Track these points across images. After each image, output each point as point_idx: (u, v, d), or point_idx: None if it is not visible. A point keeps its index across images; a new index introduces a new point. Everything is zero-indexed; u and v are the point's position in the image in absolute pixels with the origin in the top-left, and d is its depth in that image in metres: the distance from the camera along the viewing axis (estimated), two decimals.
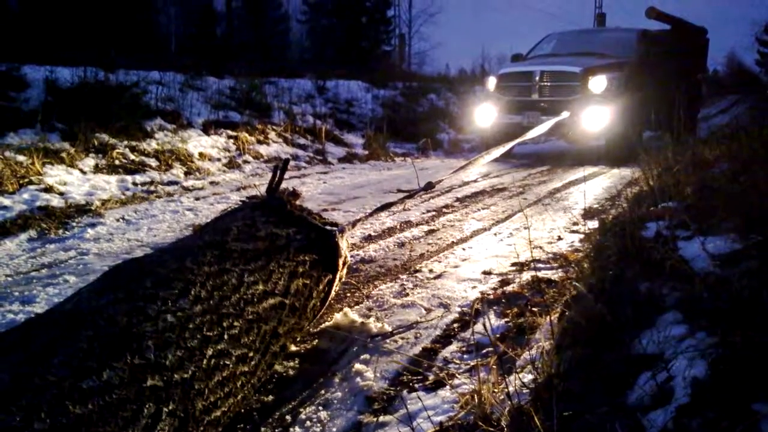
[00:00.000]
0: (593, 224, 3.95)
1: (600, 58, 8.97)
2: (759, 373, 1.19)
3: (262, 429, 1.82)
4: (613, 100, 8.23)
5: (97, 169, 5.57)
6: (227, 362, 1.62)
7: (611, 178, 7.06)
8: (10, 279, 3.09)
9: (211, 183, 6.05)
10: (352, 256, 3.47)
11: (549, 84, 8.67)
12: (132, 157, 6.06)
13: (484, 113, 9.18)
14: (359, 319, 2.57)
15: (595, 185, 6.47)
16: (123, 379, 1.31)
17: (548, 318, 2.21)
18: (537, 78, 8.73)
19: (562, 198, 5.65)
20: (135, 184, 5.50)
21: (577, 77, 8.45)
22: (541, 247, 3.77)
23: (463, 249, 3.80)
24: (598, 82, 8.33)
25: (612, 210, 4.69)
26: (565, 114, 7.84)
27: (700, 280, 1.66)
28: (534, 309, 2.61)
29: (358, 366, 2.16)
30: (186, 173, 6.24)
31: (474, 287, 3.06)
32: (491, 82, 9.36)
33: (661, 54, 10.00)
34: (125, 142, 6.25)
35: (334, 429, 1.81)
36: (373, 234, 4.15)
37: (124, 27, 8.32)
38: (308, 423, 1.84)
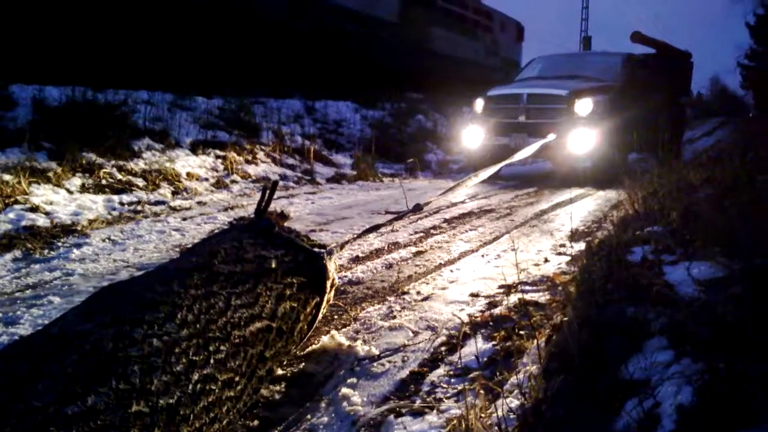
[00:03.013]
0: (580, 247, 3.98)
1: (586, 82, 9.09)
2: (744, 401, 1.20)
3: None
4: (598, 123, 8.32)
5: (83, 189, 5.54)
6: (213, 387, 1.60)
7: (597, 200, 7.11)
8: None
9: (199, 203, 6.03)
10: (339, 278, 3.46)
11: (536, 106, 8.75)
12: (119, 176, 6.04)
13: (472, 135, 9.25)
14: (346, 342, 2.56)
15: (582, 207, 6.52)
16: (108, 404, 1.29)
17: (535, 342, 2.22)
18: (524, 100, 8.82)
19: (548, 220, 5.69)
20: (122, 203, 5.47)
21: (563, 100, 8.55)
22: (527, 270, 3.78)
23: (451, 271, 3.81)
24: (584, 105, 8.43)
25: (598, 233, 4.72)
26: (551, 136, 7.91)
27: (685, 306, 1.68)
28: (521, 332, 2.61)
29: (344, 390, 2.15)
30: (173, 193, 6.22)
31: (462, 310, 3.06)
32: (479, 104, 9.44)
33: (646, 77, 10.15)
34: (113, 162, 6.23)
35: None
36: (360, 255, 4.15)
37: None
38: None
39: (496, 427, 1.57)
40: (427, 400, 2.06)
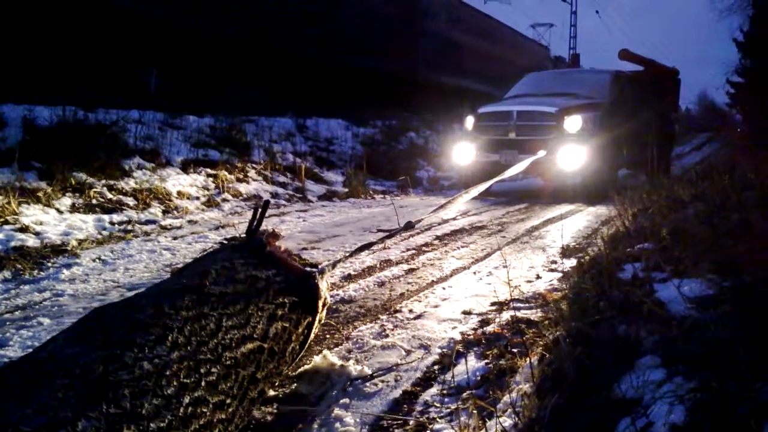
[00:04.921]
0: (571, 263, 3.99)
1: (575, 99, 9.17)
2: (736, 419, 1.20)
3: None
4: (588, 140, 8.39)
5: (73, 209, 5.51)
6: (204, 410, 1.59)
7: (588, 216, 7.14)
8: None
9: (190, 222, 6.01)
10: (331, 296, 3.45)
11: (526, 123, 8.81)
12: (109, 196, 6.01)
13: (463, 152, 9.30)
14: (339, 362, 2.55)
15: (572, 223, 6.54)
16: (98, 429, 1.28)
17: (528, 360, 2.22)
18: (514, 117, 8.88)
19: (540, 236, 5.70)
20: (112, 223, 5.44)
21: (553, 117, 8.61)
22: (519, 287, 3.78)
23: (443, 288, 3.81)
24: (573, 122, 8.49)
25: (589, 248, 4.73)
26: (541, 153, 7.96)
27: (676, 324, 1.68)
28: (514, 350, 2.61)
29: (337, 411, 2.14)
30: (164, 212, 6.19)
31: (454, 328, 3.05)
32: (469, 121, 9.49)
33: (635, 94, 10.25)
34: (103, 181, 6.21)
35: None
36: (352, 273, 4.14)
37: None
38: None
39: None
40: (421, 420, 2.05)
